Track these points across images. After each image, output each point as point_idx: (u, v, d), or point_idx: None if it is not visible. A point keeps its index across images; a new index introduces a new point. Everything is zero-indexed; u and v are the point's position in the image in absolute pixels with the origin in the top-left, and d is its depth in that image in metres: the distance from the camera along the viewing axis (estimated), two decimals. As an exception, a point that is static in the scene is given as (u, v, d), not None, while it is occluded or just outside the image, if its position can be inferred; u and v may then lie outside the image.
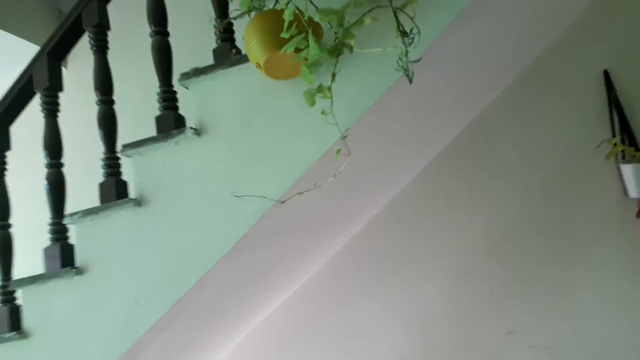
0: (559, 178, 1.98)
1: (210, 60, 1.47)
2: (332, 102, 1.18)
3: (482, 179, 2.07)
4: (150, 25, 1.56)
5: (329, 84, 1.15)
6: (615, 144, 1.87)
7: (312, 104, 1.14)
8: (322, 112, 1.20)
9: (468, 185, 2.08)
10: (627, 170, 1.80)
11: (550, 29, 1.96)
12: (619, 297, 1.90)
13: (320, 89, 1.14)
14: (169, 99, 1.54)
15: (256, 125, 1.39)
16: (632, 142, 1.87)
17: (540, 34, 1.93)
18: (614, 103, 1.91)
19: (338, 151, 1.21)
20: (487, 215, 2.05)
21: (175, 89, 1.56)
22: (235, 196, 1.37)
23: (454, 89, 1.75)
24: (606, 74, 1.94)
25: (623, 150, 1.85)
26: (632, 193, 1.81)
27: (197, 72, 1.46)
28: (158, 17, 1.56)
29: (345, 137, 1.22)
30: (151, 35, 1.55)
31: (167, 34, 1.57)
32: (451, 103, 1.84)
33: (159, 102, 1.54)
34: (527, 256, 2.00)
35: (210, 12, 1.48)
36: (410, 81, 1.17)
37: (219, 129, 1.44)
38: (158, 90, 1.54)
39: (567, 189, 1.97)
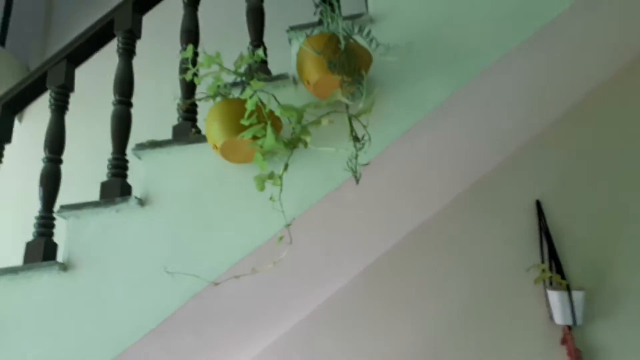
0: (490, 297, 2.04)
1: (167, 136, 1.49)
2: (281, 190, 1.21)
3: (418, 288, 2.10)
4: (115, 93, 1.59)
5: (280, 172, 1.19)
6: (543, 270, 1.98)
7: (262, 188, 1.17)
8: (271, 199, 1.22)
9: (404, 293, 2.10)
10: (553, 296, 1.88)
11: (497, 152, 2.13)
12: None
13: (271, 175, 1.17)
14: (118, 166, 1.54)
15: (203, 203, 1.39)
16: (559, 269, 1.98)
17: (484, 158, 2.08)
18: (544, 231, 2.05)
19: (280, 238, 1.22)
20: (417, 326, 2.06)
21: (127, 158, 1.57)
22: (167, 272, 1.33)
23: (399, 195, 1.83)
24: (538, 203, 2.10)
25: (551, 277, 1.95)
26: (558, 319, 1.88)
27: (153, 144, 1.47)
28: (125, 87, 1.60)
29: (289, 225, 1.23)
30: (114, 104, 1.58)
31: (130, 104, 1.60)
32: (396, 208, 1.91)
33: (108, 168, 1.53)
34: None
35: (175, 90, 1.54)
36: (357, 181, 1.23)
37: (164, 202, 1.43)
38: (110, 156, 1.54)
39: (497, 308, 2.02)
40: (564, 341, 1.89)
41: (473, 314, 2.03)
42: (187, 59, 1.53)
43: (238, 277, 1.28)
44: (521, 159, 2.17)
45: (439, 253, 2.11)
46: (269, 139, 1.16)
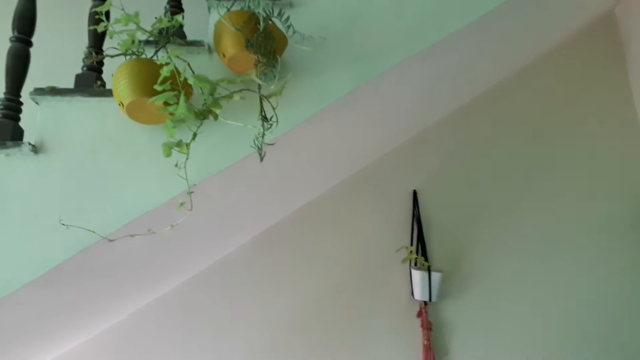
0: (361, 273, 2.27)
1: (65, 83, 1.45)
2: (187, 158, 1.26)
3: (299, 261, 2.27)
4: (13, 29, 1.49)
5: (188, 141, 1.23)
6: (410, 252, 2.24)
7: (168, 155, 1.20)
8: (176, 165, 1.27)
9: (285, 265, 2.25)
10: (415, 275, 2.14)
11: (385, 144, 2.32)
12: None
13: (179, 143, 1.21)
14: (12, 108, 1.46)
15: (102, 158, 1.38)
16: (424, 252, 2.25)
17: (373, 148, 2.27)
18: (416, 218, 2.31)
19: (181, 204, 1.27)
20: (294, 296, 2.23)
21: (22, 100, 1.49)
22: (62, 224, 1.33)
23: (297, 173, 1.95)
24: (415, 193, 2.35)
25: (416, 258, 2.22)
26: (417, 295, 2.15)
27: (54, 91, 1.42)
28: (25, 24, 1.50)
29: (191, 192, 1.29)
30: (12, 41, 1.49)
31: (29, 43, 1.51)
32: (292, 186, 2.03)
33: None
34: (322, 341, 2.19)
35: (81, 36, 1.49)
36: (262, 159, 1.32)
37: (61, 153, 1.40)
38: (1, 96, 1.46)
39: (367, 283, 2.26)
40: (419, 314, 2.18)
41: (345, 288, 2.24)
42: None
43: (133, 235, 1.31)
44: (405, 152, 2.40)
45: (321, 230, 2.29)
46: (182, 108, 1.19)
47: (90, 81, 1.48)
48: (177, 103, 1.22)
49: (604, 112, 2.45)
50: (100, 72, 1.52)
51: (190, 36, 1.56)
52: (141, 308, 2.16)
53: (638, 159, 2.39)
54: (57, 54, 1.98)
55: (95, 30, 1.44)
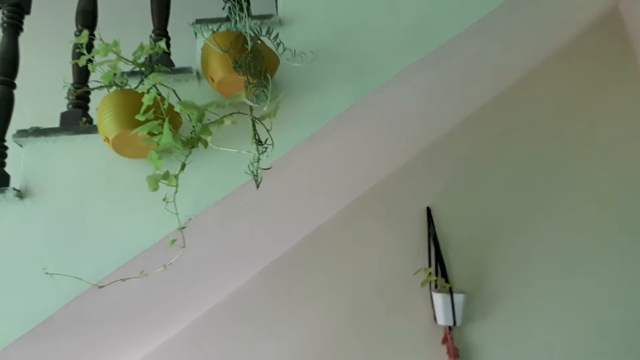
0: (379, 298, 2.13)
1: (51, 122, 1.38)
2: (176, 191, 1.16)
3: (311, 289, 2.14)
4: (-5, 72, 1.44)
5: (176, 172, 1.14)
6: (430, 274, 2.11)
7: (155, 189, 1.11)
8: (164, 200, 1.17)
9: (297, 295, 2.13)
10: (437, 298, 2.01)
11: (392, 160, 2.22)
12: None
13: (166, 175, 1.12)
14: (-4, 153, 1.39)
15: (89, 199, 1.30)
16: (443, 273, 2.12)
17: (380, 165, 2.17)
18: (432, 236, 2.18)
19: (172, 241, 1.17)
20: (308, 326, 2.10)
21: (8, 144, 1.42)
22: (47, 273, 1.23)
23: (300, 197, 1.85)
24: (428, 210, 2.23)
25: (436, 280, 2.09)
26: (440, 320, 2.01)
27: (38, 132, 1.35)
28: (8, 66, 1.45)
29: (183, 228, 1.19)
30: (-6, 83, 1.43)
31: (13, 85, 1.45)
32: (296, 211, 1.93)
33: (-17, 155, 1.38)
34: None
35: (66, 75, 1.42)
36: (258, 186, 1.22)
37: (47, 196, 1.31)
38: (-15, 141, 1.39)
39: (386, 309, 2.12)
40: (444, 340, 2.03)
41: (362, 315, 2.11)
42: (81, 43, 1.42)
43: (125, 280, 1.21)
44: (415, 167, 2.29)
45: (332, 256, 2.17)
46: (166, 137, 1.11)
47: (76, 118, 1.41)
48: (162, 133, 1.13)
49: (618, 110, 2.34)
50: (87, 108, 1.45)
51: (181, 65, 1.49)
52: (151, 352, 2.04)
53: (662, 157, 2.25)
54: (42, 91, 1.93)
55: (77, 64, 1.37)
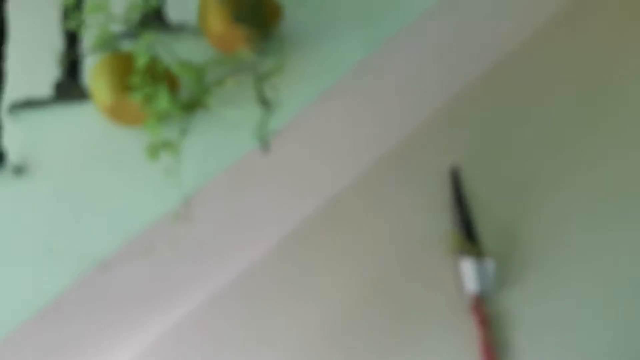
0: (402, 267, 2.03)
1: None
2: (178, 160, 1.08)
3: (330, 261, 2.05)
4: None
5: (177, 139, 1.05)
6: (456, 238, 2.00)
7: (154, 158, 1.03)
8: (166, 170, 1.09)
9: (315, 267, 2.04)
10: (465, 265, 1.91)
11: (414, 115, 2.09)
12: (451, 388, 1.95)
13: (166, 143, 1.03)
14: (-10, 128, 1.32)
15: (90, 172, 1.23)
16: (471, 238, 2.02)
17: (397, 123, 2.05)
18: (459, 198, 2.07)
19: (178, 215, 1.10)
20: (329, 300, 2.02)
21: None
22: (50, 251, 1.18)
23: (315, 162, 1.76)
24: (454, 170, 2.10)
25: (463, 244, 1.98)
26: (469, 288, 1.91)
27: (31, 103, 1.29)
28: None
29: (188, 200, 1.11)
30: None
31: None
32: (310, 178, 1.84)
33: (-24, 130, 1.31)
34: (365, 345, 1.99)
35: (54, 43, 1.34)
36: (266, 150, 1.14)
37: (45, 171, 1.25)
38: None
39: (409, 278, 2.02)
40: (473, 309, 1.94)
41: (384, 285, 2.01)
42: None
43: (131, 256, 1.15)
44: (436, 125, 2.14)
45: (351, 225, 2.06)
46: (163, 101, 1.02)
47: (70, 87, 1.32)
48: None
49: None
50: (80, 75, 1.37)
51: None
52: (154, 339, 2.00)
53: None
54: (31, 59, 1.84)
55: (68, 29, 1.28)
